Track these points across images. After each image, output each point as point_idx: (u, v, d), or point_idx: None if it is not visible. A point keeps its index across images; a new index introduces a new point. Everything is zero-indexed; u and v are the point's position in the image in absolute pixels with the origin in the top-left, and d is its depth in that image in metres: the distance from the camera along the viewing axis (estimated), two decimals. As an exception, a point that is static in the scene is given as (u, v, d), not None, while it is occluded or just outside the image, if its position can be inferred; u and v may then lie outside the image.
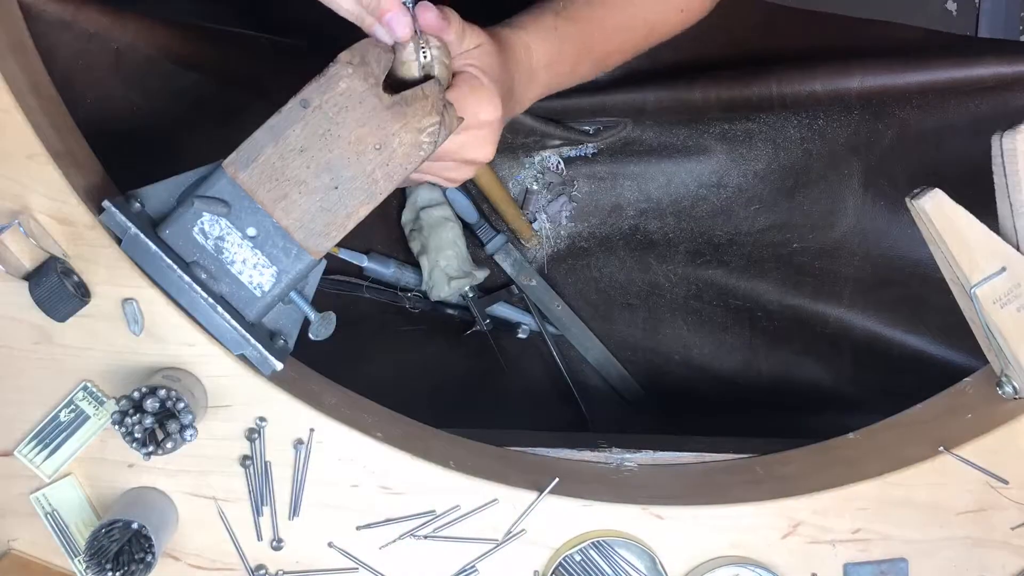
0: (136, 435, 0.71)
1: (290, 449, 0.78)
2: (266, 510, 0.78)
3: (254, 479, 0.78)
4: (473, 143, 0.75)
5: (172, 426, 0.71)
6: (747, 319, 1.21)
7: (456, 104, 0.72)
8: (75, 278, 0.74)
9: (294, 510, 0.79)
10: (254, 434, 0.77)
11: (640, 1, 0.85)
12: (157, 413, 0.71)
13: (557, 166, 1.21)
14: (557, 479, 0.80)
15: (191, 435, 0.71)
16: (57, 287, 0.72)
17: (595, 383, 1.27)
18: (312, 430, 0.78)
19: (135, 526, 0.72)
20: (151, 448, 0.71)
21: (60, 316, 0.73)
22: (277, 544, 0.79)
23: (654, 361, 1.25)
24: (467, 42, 0.74)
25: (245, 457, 0.78)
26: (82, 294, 0.73)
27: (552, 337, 1.24)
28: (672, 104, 1.15)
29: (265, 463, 0.78)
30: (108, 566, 0.72)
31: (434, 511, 0.80)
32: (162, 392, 0.71)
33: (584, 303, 1.25)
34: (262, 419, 0.77)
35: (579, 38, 0.83)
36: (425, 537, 0.80)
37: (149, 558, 0.72)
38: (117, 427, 0.71)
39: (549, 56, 0.81)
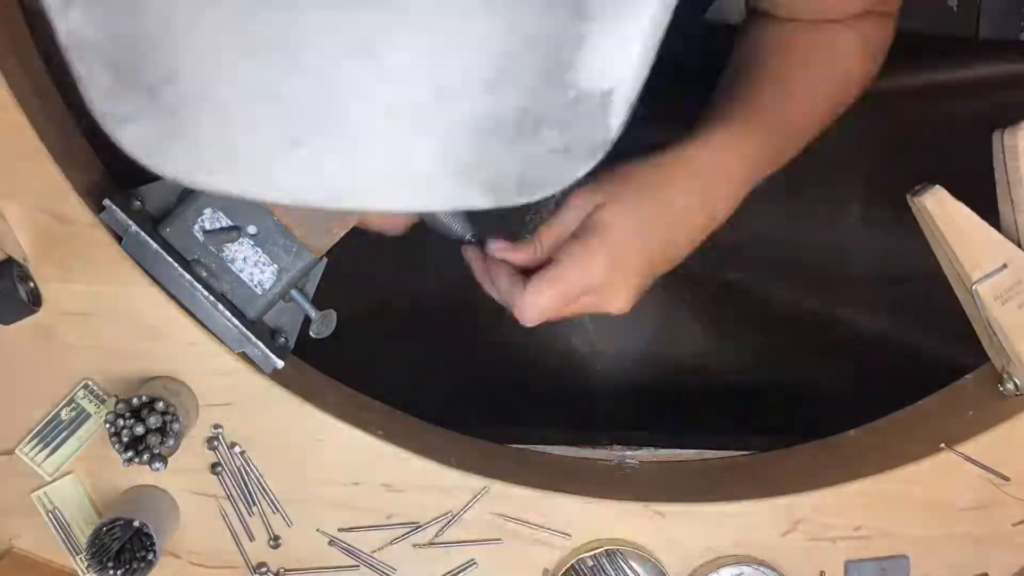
0: (124, 439, 0.71)
1: (288, 446, 0.78)
2: (255, 510, 0.78)
3: (231, 483, 0.78)
4: (596, 303, 0.73)
5: (152, 439, 0.71)
6: (760, 324, 1.20)
7: (565, 264, 0.70)
8: (31, 284, 0.73)
9: (275, 507, 0.79)
10: (214, 442, 0.77)
11: (818, 81, 0.81)
12: (151, 429, 0.71)
13: None
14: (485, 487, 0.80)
15: (159, 467, 0.71)
16: (10, 291, 0.72)
17: (601, 384, 1.27)
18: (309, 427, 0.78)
19: (136, 524, 0.72)
20: (131, 455, 0.71)
21: (6, 320, 0.73)
22: (274, 543, 0.79)
23: (663, 365, 1.25)
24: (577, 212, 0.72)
25: (214, 464, 0.78)
26: (33, 302, 0.73)
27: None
28: (676, 103, 1.14)
29: (238, 467, 0.78)
30: (110, 564, 0.72)
31: (436, 505, 0.80)
32: (160, 404, 0.71)
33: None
34: (217, 426, 0.77)
35: (778, 130, 0.78)
36: (430, 544, 0.80)
37: (151, 556, 0.73)
38: (108, 426, 0.71)
39: (758, 156, 0.76)
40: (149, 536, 0.73)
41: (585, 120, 0.35)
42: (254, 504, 0.78)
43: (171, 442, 0.71)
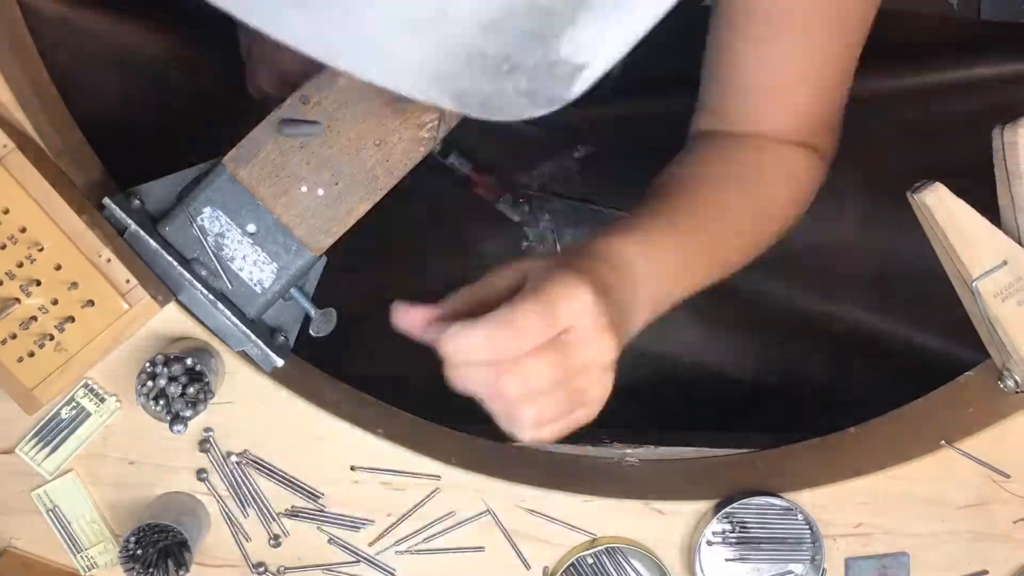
0: (151, 388, 0.71)
1: (288, 445, 0.78)
2: (250, 512, 0.79)
3: (227, 485, 0.78)
4: (587, 388, 0.60)
5: (176, 405, 0.71)
6: (758, 321, 1.20)
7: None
8: None
9: (270, 515, 0.79)
10: (206, 444, 0.77)
11: (745, 199, 0.79)
12: (183, 394, 0.71)
13: (569, 159, 1.20)
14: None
15: (180, 430, 0.71)
16: None
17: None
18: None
19: (181, 537, 0.73)
20: (158, 406, 0.71)
21: None
22: (274, 542, 0.79)
23: (661, 364, 1.25)
24: (564, 314, 0.57)
25: (200, 470, 0.78)
26: None
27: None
28: (671, 106, 1.14)
29: (230, 471, 0.78)
30: (140, 569, 0.73)
31: (436, 504, 0.80)
32: (199, 368, 0.71)
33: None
34: (208, 429, 0.77)
35: (702, 241, 0.74)
36: (430, 542, 0.80)
37: (182, 571, 0.73)
38: (148, 365, 0.71)
39: (675, 266, 0.71)
40: (189, 552, 0.73)
41: (554, 81, 0.40)
42: (249, 507, 0.78)
43: (198, 408, 0.71)
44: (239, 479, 0.78)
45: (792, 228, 0.83)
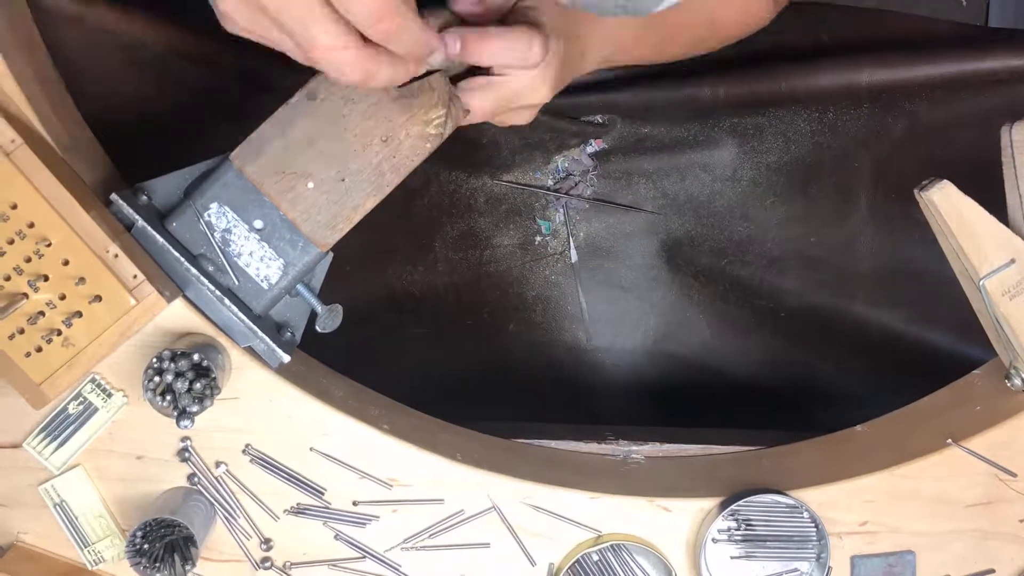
0: (157, 384, 0.71)
1: (294, 441, 0.78)
2: (239, 524, 0.79)
3: (220, 491, 0.78)
4: (527, 88, 0.74)
5: (185, 400, 0.71)
6: (770, 320, 1.20)
7: (507, 43, 0.70)
8: None
9: (251, 523, 0.79)
10: (186, 453, 0.77)
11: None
12: (190, 391, 0.71)
13: (583, 155, 1.20)
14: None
15: (187, 425, 0.71)
16: None
17: (607, 380, 1.27)
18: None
19: (187, 533, 0.73)
20: (166, 401, 0.71)
21: None
22: (266, 546, 0.79)
23: (669, 363, 1.25)
24: None
25: (190, 475, 0.78)
26: None
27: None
28: (681, 101, 1.15)
29: (216, 477, 0.78)
30: (156, 565, 0.73)
31: (441, 500, 0.80)
32: (206, 364, 0.71)
33: (604, 301, 1.25)
34: (185, 438, 0.77)
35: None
36: (435, 539, 0.80)
37: (188, 566, 0.73)
38: (155, 361, 0.71)
39: (619, 23, 0.81)
40: (195, 548, 0.73)
41: (645, 3, 0.56)
42: (236, 518, 0.78)
43: (205, 403, 0.71)
44: (218, 492, 0.78)
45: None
